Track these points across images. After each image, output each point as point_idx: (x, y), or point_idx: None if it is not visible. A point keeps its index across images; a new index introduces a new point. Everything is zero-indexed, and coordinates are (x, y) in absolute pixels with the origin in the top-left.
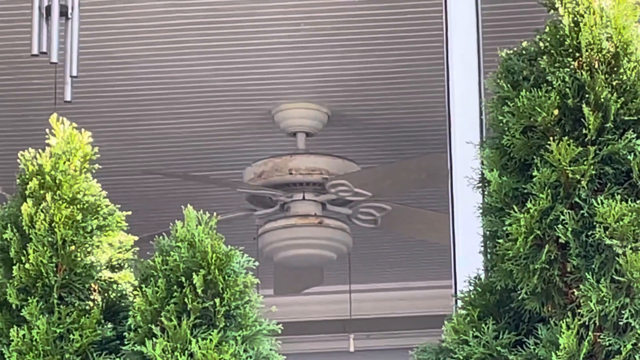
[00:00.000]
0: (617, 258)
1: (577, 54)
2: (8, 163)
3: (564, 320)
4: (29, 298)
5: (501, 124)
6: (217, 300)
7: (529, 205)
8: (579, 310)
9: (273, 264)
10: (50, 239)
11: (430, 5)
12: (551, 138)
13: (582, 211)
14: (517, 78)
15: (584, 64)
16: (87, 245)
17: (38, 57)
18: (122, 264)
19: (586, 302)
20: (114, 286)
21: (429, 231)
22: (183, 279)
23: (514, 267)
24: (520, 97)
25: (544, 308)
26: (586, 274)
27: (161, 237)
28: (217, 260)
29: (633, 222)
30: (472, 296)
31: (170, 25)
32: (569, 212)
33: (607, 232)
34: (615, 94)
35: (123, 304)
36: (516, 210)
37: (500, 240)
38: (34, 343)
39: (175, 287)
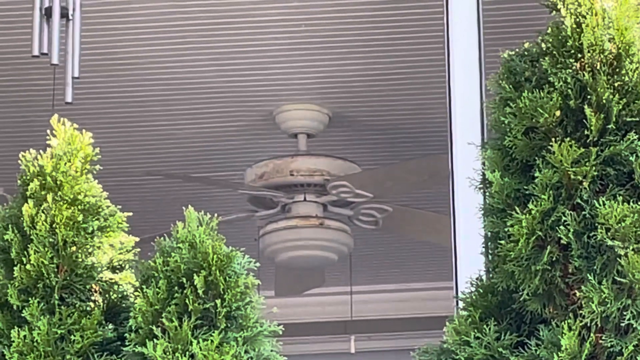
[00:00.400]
0: (618, 259)
1: (579, 55)
2: (9, 164)
3: (566, 322)
4: (29, 299)
5: (503, 125)
6: (218, 302)
7: (530, 206)
8: (580, 312)
9: (274, 265)
10: (51, 239)
11: (432, 6)
12: (553, 139)
13: (583, 212)
14: (519, 79)
15: (586, 65)
16: (88, 246)
17: (39, 59)
18: (123, 265)
19: (588, 304)
20: (115, 287)
21: (430, 232)
22: (184, 280)
23: (516, 268)
24: (522, 98)
25: (546, 309)
26: (588, 275)
27: (162, 238)
28: (218, 261)
29: (635, 223)
30: (474, 297)
31: (171, 27)
32: (570, 213)
33: (608, 234)
34: (617, 95)
35: (124, 305)
36: (518, 211)
37: (502, 242)
38: (35, 344)
39: (176, 288)
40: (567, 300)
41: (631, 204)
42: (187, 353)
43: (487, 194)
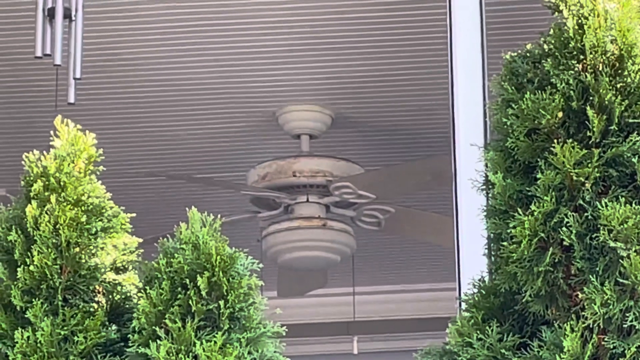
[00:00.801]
0: (621, 261)
1: (582, 57)
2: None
3: (568, 323)
4: (33, 300)
5: (505, 127)
6: (222, 303)
7: (533, 207)
8: (583, 313)
9: (277, 266)
10: (54, 240)
11: (434, 7)
12: (555, 140)
13: (586, 214)
14: (521, 80)
15: (588, 67)
16: (91, 247)
17: (42, 59)
18: (126, 266)
19: (590, 305)
20: (118, 288)
21: (432, 233)
22: (187, 281)
23: (518, 270)
24: (524, 99)
25: (548, 311)
26: (590, 276)
27: (165, 239)
28: (222, 262)
29: (637, 224)
30: (476, 299)
31: (173, 28)
32: (573, 215)
33: (611, 235)
34: (619, 97)
35: (127, 306)
36: (520, 212)
37: (505, 243)
38: (39, 345)
39: (179, 289)
40: (570, 302)
41: (633, 205)
42: (190, 354)
43: (490, 195)
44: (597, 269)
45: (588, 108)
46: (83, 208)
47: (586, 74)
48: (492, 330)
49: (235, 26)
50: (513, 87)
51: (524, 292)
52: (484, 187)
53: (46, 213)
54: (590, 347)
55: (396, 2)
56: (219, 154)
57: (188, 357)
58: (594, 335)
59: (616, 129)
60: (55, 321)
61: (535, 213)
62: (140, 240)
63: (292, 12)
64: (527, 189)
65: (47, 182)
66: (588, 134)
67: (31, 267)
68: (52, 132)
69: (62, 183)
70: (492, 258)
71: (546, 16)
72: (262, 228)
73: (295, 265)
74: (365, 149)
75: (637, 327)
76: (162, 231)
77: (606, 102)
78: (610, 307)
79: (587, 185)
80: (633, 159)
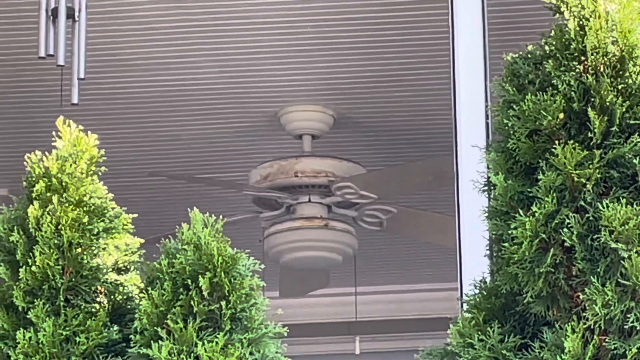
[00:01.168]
0: (622, 262)
1: (583, 58)
2: (15, 165)
3: (569, 324)
4: (35, 300)
5: (507, 128)
6: (223, 303)
7: (534, 208)
8: (584, 314)
9: (278, 266)
10: (56, 241)
11: (436, 8)
12: (557, 142)
13: (587, 215)
14: (522, 82)
15: (590, 68)
16: (93, 248)
17: (45, 60)
18: (128, 267)
19: (591, 306)
20: (120, 288)
21: (434, 234)
22: (189, 281)
23: (520, 271)
24: (525, 100)
25: (549, 311)
26: (591, 277)
27: (167, 240)
28: (223, 262)
29: (638, 225)
30: (478, 299)
31: (176, 28)
32: (574, 216)
33: (612, 236)
34: (620, 98)
35: (129, 307)
36: (521, 213)
37: (506, 244)
38: (40, 345)
39: (181, 289)
40: (571, 303)
41: (635, 206)
42: (192, 355)
43: (491, 196)
44: (599, 270)
45: (589, 109)
46: (85, 208)
47: (587, 75)
48: (493, 331)
49: (238, 27)
50: (514, 89)
51: (525, 293)
52: (486, 188)
53: (48, 214)
54: (591, 348)
55: (398, 2)
56: (220, 154)
57: (190, 357)
58: (595, 336)
59: (617, 130)
60: (57, 322)
61: (537, 214)
62: (142, 240)
63: (294, 13)
64: (529, 190)
65: (49, 183)
66: (589, 135)
67: (33, 268)
68: (54, 133)
69: (64, 184)
70: (494, 259)
71: (547, 17)
72: (264, 228)
73: (297, 266)
74: (367, 149)
75: (638, 328)
76: (164, 232)
77: (607, 104)
78: (612, 308)
79: (588, 186)
80: (634, 160)
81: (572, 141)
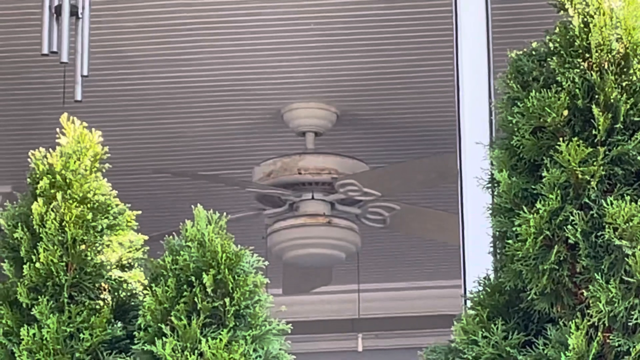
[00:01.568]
0: (626, 259)
1: (587, 55)
2: (19, 162)
3: (573, 321)
4: (39, 297)
5: (511, 125)
6: (227, 300)
7: (538, 205)
8: (588, 311)
9: (282, 263)
10: (60, 238)
11: (440, 5)
12: (561, 139)
13: (591, 212)
14: (526, 79)
15: (594, 65)
16: (97, 245)
17: (48, 57)
18: (132, 263)
19: (595, 303)
20: (124, 285)
21: (438, 231)
22: (193, 278)
23: (524, 268)
24: (529, 97)
25: (553, 308)
26: (595, 274)
27: (171, 237)
28: (227, 259)
29: None
30: (482, 296)
31: (179, 25)
32: (578, 213)
33: (616, 233)
34: (625, 95)
35: (133, 303)
36: (525, 210)
37: (510, 241)
38: (44, 342)
39: (185, 286)
40: (575, 300)
41: (639, 203)
42: (196, 351)
43: (495, 193)
44: (603, 267)
45: (593, 106)
46: (89, 205)
47: (592, 72)
48: (497, 328)
49: (241, 24)
50: (518, 85)
51: (529, 290)
52: (489, 185)
53: (52, 210)
54: (595, 345)
55: None
56: (224, 151)
57: (193, 354)
58: (599, 333)
59: (621, 127)
60: (61, 318)
61: (541, 211)
62: (146, 237)
63: (297, 10)
64: (533, 187)
65: (53, 180)
66: (593, 132)
67: (37, 265)
68: (58, 130)
69: (68, 180)
70: (497, 256)
71: (552, 14)
72: (267, 225)
73: (300, 263)
74: (371, 146)
75: None
76: (168, 228)
77: (612, 101)
78: (616, 305)
79: (592, 183)
80: (638, 157)
81: (576, 138)
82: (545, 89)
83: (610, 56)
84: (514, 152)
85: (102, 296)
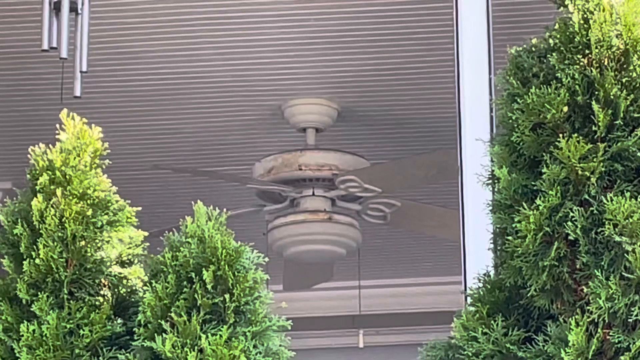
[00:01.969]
0: (626, 255)
1: (587, 51)
2: (18, 158)
3: (573, 317)
4: (39, 293)
5: (511, 121)
6: (227, 296)
7: (538, 202)
8: (588, 307)
9: (282, 259)
10: (60, 234)
11: (441, 1)
12: (561, 135)
13: (591, 208)
14: (526, 75)
15: (594, 61)
16: (97, 241)
17: (48, 53)
18: (132, 260)
19: (595, 299)
20: (124, 282)
21: (438, 227)
22: (193, 274)
23: (523, 264)
24: (529, 94)
25: (553, 305)
26: (595, 271)
27: (171, 233)
28: (227, 256)
29: None
30: (482, 293)
31: (179, 21)
32: (578, 209)
33: (616, 229)
34: (624, 91)
35: (133, 300)
36: (525, 207)
37: (510, 237)
38: (44, 338)
39: (185, 282)
40: (575, 296)
41: (639, 199)
42: (196, 348)
43: (495, 189)
44: (602, 263)
45: (593, 102)
46: (89, 201)
47: (591, 68)
48: (497, 325)
49: (242, 19)
50: (518, 82)
51: (529, 286)
52: (490, 181)
53: (52, 206)
54: (595, 342)
55: None
56: (224, 148)
57: (193, 350)
58: (599, 330)
59: (621, 123)
60: (60, 314)
61: (541, 207)
62: (146, 233)
63: (298, 6)
64: (533, 183)
65: (52, 176)
66: (593, 128)
67: (37, 261)
68: (58, 126)
69: (67, 176)
70: (498, 252)
71: (552, 10)
72: (268, 221)
73: (301, 259)
74: (371, 142)
75: None
76: (168, 225)
77: (611, 97)
78: (616, 301)
79: (592, 179)
80: (638, 154)
81: (576, 134)
82: (545, 85)
83: (610, 52)
84: (514, 148)
85: (102, 292)
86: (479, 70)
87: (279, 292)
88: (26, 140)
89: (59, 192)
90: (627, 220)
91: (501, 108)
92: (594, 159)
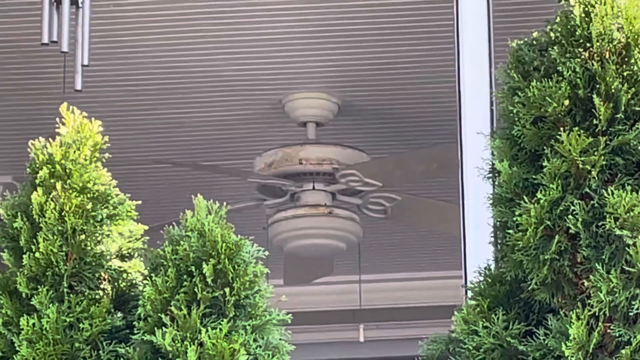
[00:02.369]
0: (627, 249)
1: (588, 45)
2: (18, 152)
3: (574, 311)
4: (39, 287)
5: (511, 115)
6: (227, 290)
7: (539, 195)
8: (589, 301)
9: (283, 253)
10: (60, 227)
11: None
12: (562, 128)
13: (592, 202)
14: (527, 68)
15: (595, 55)
16: (97, 234)
17: (49, 46)
18: (132, 253)
19: (596, 293)
20: (124, 275)
21: (439, 221)
22: (193, 268)
23: (524, 258)
24: (530, 87)
25: (554, 299)
26: (596, 264)
27: (171, 227)
28: (227, 249)
29: None
30: (482, 287)
31: (181, 15)
32: (579, 203)
33: (617, 223)
34: (626, 85)
35: (133, 293)
36: (526, 200)
37: (511, 231)
38: (44, 332)
39: (185, 276)
40: (576, 290)
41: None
42: (196, 341)
43: (496, 183)
44: (603, 257)
45: (594, 96)
46: (89, 195)
47: (593, 62)
48: (497, 318)
49: (242, 13)
50: (519, 75)
51: (529, 280)
52: (490, 175)
53: (52, 200)
54: (596, 335)
55: None
56: (225, 142)
57: (193, 344)
58: (600, 323)
59: (622, 117)
60: (60, 308)
61: (541, 201)
62: (146, 227)
63: (298, 0)
64: (533, 177)
65: (52, 170)
66: (594, 122)
67: (37, 254)
68: (58, 120)
69: (67, 170)
70: (498, 246)
71: (553, 4)
72: (268, 216)
73: (301, 253)
74: (372, 136)
75: None
76: (168, 218)
77: (613, 90)
78: (616, 295)
79: (593, 173)
80: (639, 147)
81: (577, 128)
82: (546, 79)
83: (611, 46)
84: (514, 142)
85: (101, 286)
86: (480, 64)
87: (279, 286)
88: (26, 134)
89: (58, 185)
90: (628, 214)
91: (502, 101)
92: (595, 153)
